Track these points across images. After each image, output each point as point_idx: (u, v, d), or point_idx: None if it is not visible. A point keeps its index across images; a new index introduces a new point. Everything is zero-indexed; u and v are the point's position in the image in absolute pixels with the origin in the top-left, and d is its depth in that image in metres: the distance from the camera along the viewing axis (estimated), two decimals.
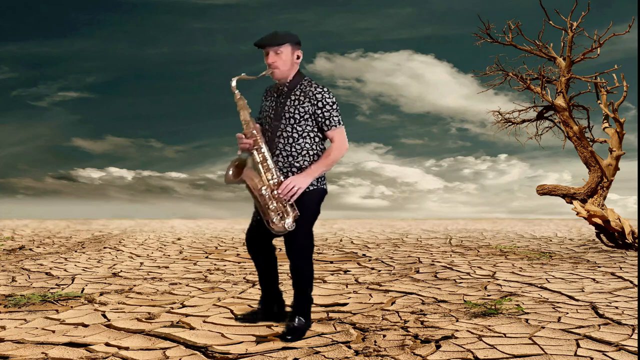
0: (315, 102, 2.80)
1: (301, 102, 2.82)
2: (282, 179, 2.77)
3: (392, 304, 3.64)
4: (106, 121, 20.98)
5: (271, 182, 2.75)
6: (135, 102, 20.02)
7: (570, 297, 3.84)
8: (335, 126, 2.84)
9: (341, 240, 9.00)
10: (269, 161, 2.77)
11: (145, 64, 20.10)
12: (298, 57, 2.87)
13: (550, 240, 8.97)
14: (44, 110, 18.73)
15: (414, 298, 3.83)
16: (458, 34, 18.22)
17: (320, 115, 2.82)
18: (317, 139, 2.87)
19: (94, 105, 19.45)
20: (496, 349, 2.55)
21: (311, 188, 2.84)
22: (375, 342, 2.69)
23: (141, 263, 5.99)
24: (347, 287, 4.34)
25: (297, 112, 2.81)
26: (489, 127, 9.20)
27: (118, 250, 7.36)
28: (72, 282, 4.60)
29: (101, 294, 4.03)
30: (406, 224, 15.04)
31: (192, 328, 2.99)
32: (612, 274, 4.98)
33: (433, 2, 19.19)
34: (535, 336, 2.77)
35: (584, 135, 7.49)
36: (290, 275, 2.90)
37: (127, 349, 2.60)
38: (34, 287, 4.34)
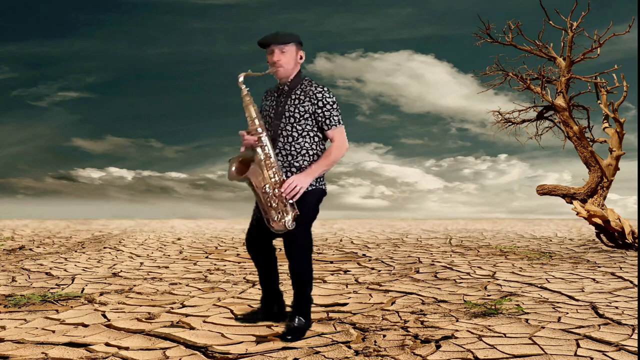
0: (316, 102, 2.81)
1: (301, 102, 2.83)
2: (285, 178, 2.78)
3: (392, 304, 3.64)
4: (106, 121, 21.00)
5: (273, 180, 2.76)
6: (135, 102, 20.04)
7: (570, 297, 3.84)
8: (336, 126, 2.84)
9: (341, 240, 9.00)
10: (273, 159, 2.78)
11: (145, 64, 20.12)
12: (301, 58, 2.91)
13: (550, 240, 8.97)
14: (44, 110, 18.74)
15: (414, 298, 3.83)
16: (458, 34, 18.24)
17: (320, 114, 2.83)
18: (316, 139, 2.88)
19: (94, 105, 19.46)
20: (496, 349, 2.55)
21: (310, 188, 2.84)
22: (375, 342, 2.69)
23: (141, 263, 5.99)
24: (347, 287, 4.34)
25: (297, 111, 2.82)
26: (489, 127, 9.21)
27: (118, 250, 7.36)
28: (72, 282, 4.60)
29: (101, 294, 4.03)
30: (406, 224, 15.04)
31: (192, 328, 2.99)
32: (612, 274, 4.98)
33: (433, 2, 19.20)
34: (535, 336, 2.77)
35: (584, 135, 7.49)
36: (289, 275, 2.90)
37: (127, 349, 2.60)
38: (34, 287, 4.34)
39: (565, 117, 7.48)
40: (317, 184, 2.88)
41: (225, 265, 5.72)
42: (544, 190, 7.74)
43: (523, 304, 3.60)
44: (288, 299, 3.13)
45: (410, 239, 9.44)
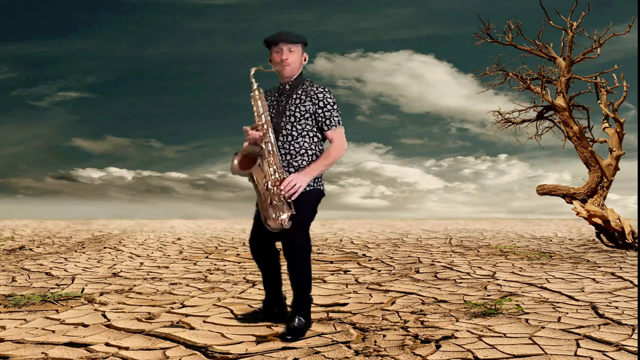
0: (317, 102, 2.83)
1: (302, 101, 2.84)
2: (285, 176, 2.78)
3: (392, 304, 3.64)
4: (106, 121, 21.00)
5: (274, 177, 2.76)
6: (135, 102, 20.04)
7: (570, 297, 3.84)
8: (335, 126, 2.86)
9: (341, 240, 9.00)
10: (277, 156, 2.78)
11: (145, 64, 20.13)
12: (305, 59, 2.96)
13: (550, 240, 8.97)
14: (44, 110, 18.75)
15: (414, 298, 3.83)
16: (458, 34, 18.24)
17: (320, 114, 2.84)
18: (316, 139, 2.89)
19: (94, 105, 19.47)
20: (496, 349, 2.55)
21: (309, 189, 2.84)
22: (375, 342, 2.69)
23: (141, 263, 5.99)
24: (347, 287, 4.34)
25: (298, 110, 2.83)
26: (489, 127, 9.21)
27: (118, 250, 7.36)
28: (72, 282, 4.60)
29: (101, 294, 4.03)
30: (406, 224, 15.04)
31: (192, 328, 2.99)
32: (612, 274, 4.98)
33: (433, 2, 19.20)
34: (535, 336, 2.77)
35: (584, 135, 7.49)
36: (289, 275, 2.90)
37: (127, 349, 2.60)
38: (34, 287, 4.34)
39: (565, 117, 7.48)
40: (316, 185, 2.88)
41: (225, 265, 5.72)
42: (544, 190, 7.74)
43: (523, 304, 3.60)
44: (288, 299, 3.13)
45: (410, 239, 9.44)
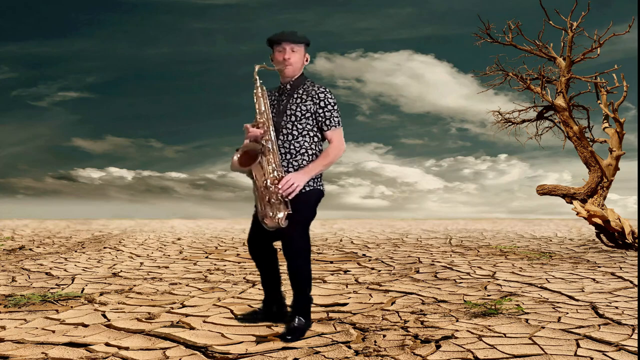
0: (318, 102, 2.84)
1: (303, 101, 2.85)
2: (284, 175, 2.78)
3: (392, 304, 3.64)
4: (106, 121, 21.00)
5: (272, 175, 2.76)
6: (135, 102, 20.05)
7: (570, 297, 3.84)
8: (335, 127, 2.87)
9: (341, 240, 9.00)
10: (276, 155, 2.78)
11: (145, 64, 20.13)
12: (307, 60, 2.97)
13: (550, 240, 8.97)
14: (44, 110, 18.75)
15: (414, 298, 3.83)
16: (458, 34, 18.24)
17: (321, 114, 2.85)
18: (316, 139, 2.89)
19: (94, 105, 19.47)
20: (496, 349, 2.55)
21: (308, 189, 2.84)
22: (375, 342, 2.69)
23: (141, 263, 5.99)
24: (347, 287, 4.34)
25: (299, 109, 2.84)
26: (489, 127, 9.21)
27: (118, 250, 7.36)
28: (72, 282, 4.60)
29: (101, 294, 4.03)
30: (406, 224, 15.05)
31: (192, 328, 2.99)
32: (612, 274, 4.98)
33: (433, 2, 19.20)
34: (535, 336, 2.77)
35: (584, 135, 7.49)
36: (288, 275, 2.90)
37: (127, 349, 2.60)
38: (34, 287, 4.34)
39: (565, 117, 7.48)
40: (315, 185, 2.88)
41: (225, 265, 5.72)
42: (544, 190, 7.74)
43: (523, 304, 3.60)
44: (288, 299, 3.13)
45: (410, 239, 9.44)
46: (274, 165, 2.77)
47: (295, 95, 2.88)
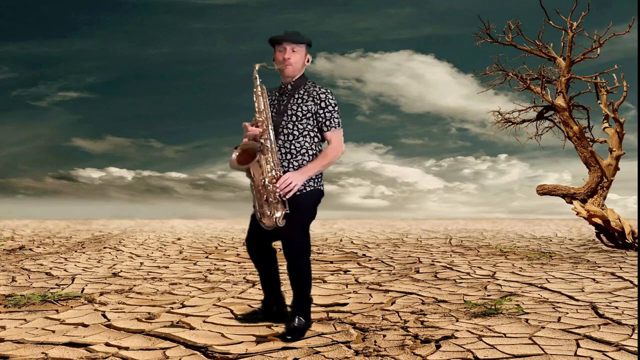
0: (319, 102, 2.84)
1: (304, 101, 2.85)
2: (282, 174, 2.78)
3: (392, 304, 3.64)
4: (106, 121, 21.01)
5: (270, 174, 2.76)
6: (135, 102, 20.05)
7: (570, 297, 3.84)
8: (335, 128, 2.87)
9: (341, 240, 9.00)
10: (274, 154, 2.78)
11: (145, 64, 20.13)
12: (308, 61, 2.97)
13: (550, 240, 8.97)
14: (44, 110, 18.75)
15: (414, 298, 3.83)
16: (458, 34, 18.24)
17: (321, 115, 2.85)
18: (316, 139, 2.89)
19: (94, 105, 19.47)
20: (496, 349, 2.55)
21: (308, 189, 2.84)
22: (375, 342, 2.69)
23: (141, 263, 5.99)
24: (347, 287, 4.34)
25: (299, 109, 2.84)
26: (489, 127, 9.21)
27: (118, 250, 7.36)
28: (72, 282, 4.60)
29: (101, 294, 4.03)
30: (406, 224, 15.05)
31: (192, 328, 2.99)
32: (612, 274, 4.98)
33: (433, 2, 19.21)
34: (535, 336, 2.77)
35: (584, 135, 7.49)
36: (288, 275, 2.90)
37: (127, 349, 2.60)
38: (34, 287, 4.34)
39: (565, 117, 7.48)
40: (316, 185, 2.88)
41: (225, 265, 5.72)
42: (544, 190, 7.74)
43: (523, 304, 3.60)
44: (288, 299, 3.13)
45: (410, 239, 9.44)
46: (272, 164, 2.78)
47: (297, 96, 2.88)
